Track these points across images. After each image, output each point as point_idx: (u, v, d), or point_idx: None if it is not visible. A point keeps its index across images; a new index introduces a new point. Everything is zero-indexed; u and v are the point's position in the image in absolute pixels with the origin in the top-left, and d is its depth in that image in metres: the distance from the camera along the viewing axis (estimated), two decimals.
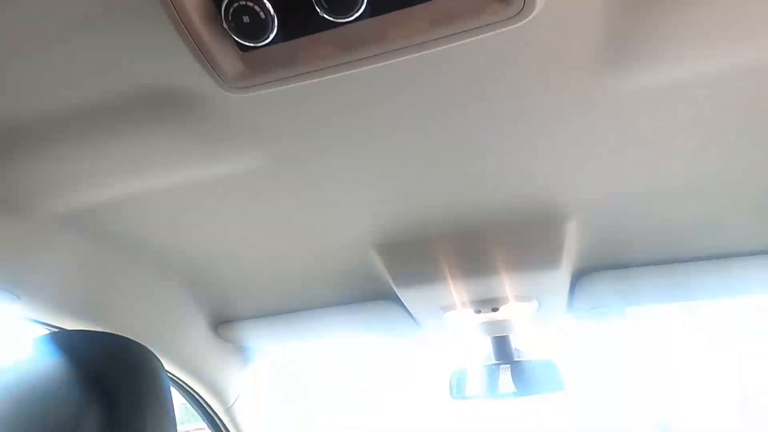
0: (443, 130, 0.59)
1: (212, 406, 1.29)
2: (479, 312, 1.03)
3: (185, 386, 1.21)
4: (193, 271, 0.99)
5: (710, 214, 0.81)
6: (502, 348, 1.25)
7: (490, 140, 0.62)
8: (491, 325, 1.12)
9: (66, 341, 0.52)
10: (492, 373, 1.27)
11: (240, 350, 1.26)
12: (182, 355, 1.12)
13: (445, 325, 1.11)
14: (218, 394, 1.26)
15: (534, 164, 0.67)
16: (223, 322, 1.15)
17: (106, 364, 0.51)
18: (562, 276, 0.91)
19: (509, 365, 1.26)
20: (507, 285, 0.95)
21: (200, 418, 1.39)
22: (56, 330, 0.80)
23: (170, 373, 1.14)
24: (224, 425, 1.35)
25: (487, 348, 1.29)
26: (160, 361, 0.56)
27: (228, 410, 1.30)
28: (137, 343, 0.55)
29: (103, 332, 0.53)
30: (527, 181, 0.71)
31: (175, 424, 0.53)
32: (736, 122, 0.60)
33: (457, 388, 1.29)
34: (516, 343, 1.28)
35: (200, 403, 1.29)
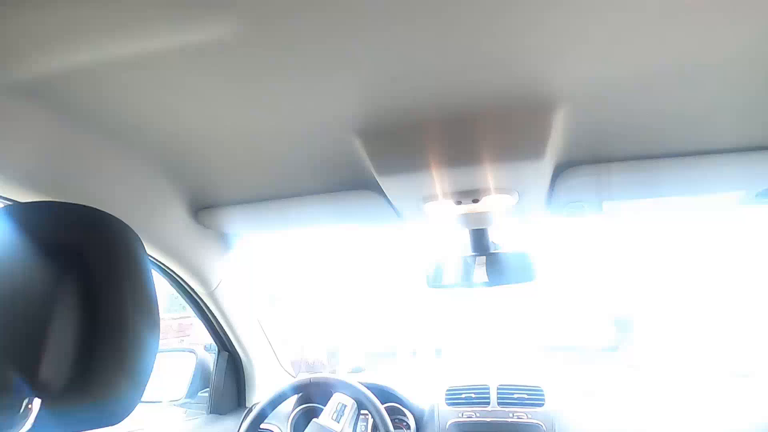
0: (429, 10, 0.55)
1: (196, 290, 1.33)
2: (460, 203, 1.03)
3: (168, 270, 1.24)
4: (171, 153, 0.96)
5: (695, 108, 0.80)
6: (480, 240, 1.29)
7: (478, 20, 0.57)
8: (471, 217, 1.14)
9: (34, 212, 0.50)
10: (468, 263, 1.32)
11: (221, 236, 1.27)
12: (162, 239, 1.13)
13: (426, 216, 1.12)
14: (201, 278, 1.29)
15: (522, 47, 0.63)
16: (202, 208, 1.15)
17: (81, 235, 0.50)
18: (544, 168, 0.91)
19: (485, 256, 1.30)
20: (489, 176, 0.94)
21: (188, 308, 1.44)
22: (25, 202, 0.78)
23: (151, 256, 1.16)
24: (208, 308, 1.40)
25: (465, 240, 1.32)
26: (139, 237, 0.55)
27: (211, 294, 1.34)
28: (114, 217, 0.53)
29: (77, 204, 0.51)
30: (515, 64, 0.68)
31: (156, 303, 0.53)
32: (731, 7, 0.56)
33: (434, 277, 1.34)
34: (493, 236, 1.31)
35: (184, 287, 1.33)
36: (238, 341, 1.50)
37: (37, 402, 0.44)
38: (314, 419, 1.28)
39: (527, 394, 1.34)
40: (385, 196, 1.05)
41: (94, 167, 0.88)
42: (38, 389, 0.43)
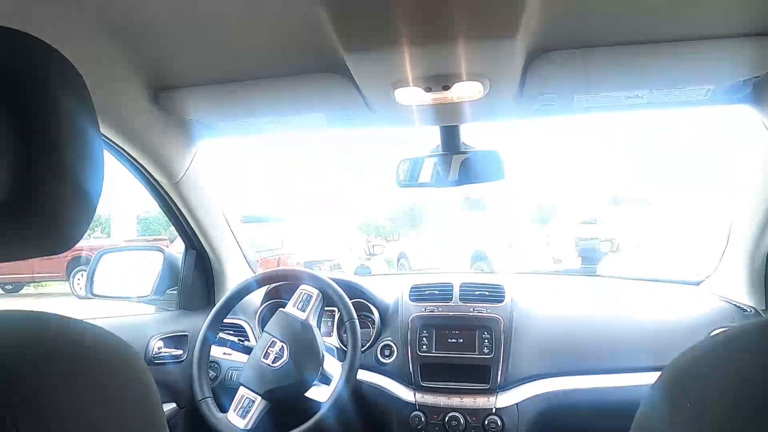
0: None
1: (159, 181, 1.30)
2: (430, 90, 1.00)
3: (129, 157, 1.19)
4: (128, 26, 0.89)
5: None
6: (451, 138, 1.27)
7: None
8: (441, 109, 1.11)
9: None
10: (438, 161, 1.31)
11: (182, 123, 1.22)
12: (119, 121, 1.08)
13: (396, 107, 1.09)
14: (163, 168, 1.25)
15: None
16: (162, 90, 1.09)
17: (14, 63, 0.45)
18: (516, 51, 0.88)
19: (456, 155, 1.29)
20: (460, 58, 0.91)
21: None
22: None
23: (110, 139, 1.11)
24: (173, 202, 1.37)
25: (436, 138, 1.30)
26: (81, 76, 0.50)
27: (175, 186, 1.31)
28: (56, 50, 0.48)
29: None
30: None
31: (99, 145, 0.49)
32: None
33: (405, 175, 1.33)
34: (464, 135, 1.30)
35: (147, 178, 1.29)
36: (206, 238, 1.49)
37: None
38: (280, 309, 1.30)
39: (488, 291, 1.39)
40: (353, 81, 1.01)
41: (36, 22, 0.81)
42: None
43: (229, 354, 1.43)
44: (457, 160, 1.30)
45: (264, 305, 1.50)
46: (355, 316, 1.25)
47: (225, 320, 1.45)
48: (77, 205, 0.45)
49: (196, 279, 1.59)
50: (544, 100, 1.08)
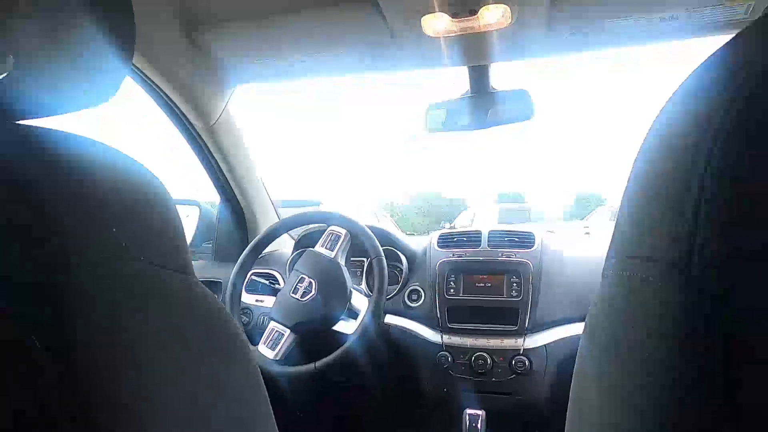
0: None
1: (194, 124, 1.35)
2: (456, 16, 1.00)
3: (163, 96, 1.24)
4: None
5: None
6: (479, 79, 1.26)
7: None
8: (469, 44, 1.11)
9: None
10: (467, 104, 1.30)
11: (218, 65, 1.26)
12: (154, 57, 1.12)
13: (424, 40, 1.09)
14: (198, 110, 1.29)
15: None
16: (196, 27, 1.13)
17: None
18: None
19: (484, 96, 1.29)
20: None
21: None
22: None
23: (146, 76, 1.16)
24: (207, 149, 1.42)
25: (464, 80, 1.30)
26: None
27: (209, 129, 1.35)
28: None
29: None
30: None
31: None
32: None
33: (433, 120, 1.33)
34: (492, 76, 1.29)
35: (181, 121, 1.34)
36: (238, 186, 1.53)
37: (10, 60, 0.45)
38: (309, 248, 1.33)
39: (518, 238, 1.38)
40: (381, 13, 1.02)
41: None
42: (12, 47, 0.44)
43: (261, 301, 1.47)
44: (486, 101, 1.30)
45: (295, 253, 1.53)
46: (382, 253, 1.26)
47: (258, 271, 1.49)
48: (112, 59, 0.48)
49: (231, 230, 1.64)
50: (574, 27, 1.06)
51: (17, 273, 0.37)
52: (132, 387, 0.38)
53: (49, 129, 0.45)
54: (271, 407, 0.55)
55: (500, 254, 1.34)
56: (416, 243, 1.51)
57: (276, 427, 0.56)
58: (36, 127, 0.46)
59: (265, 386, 0.54)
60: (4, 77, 0.45)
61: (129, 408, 0.37)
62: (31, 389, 0.34)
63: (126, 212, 0.46)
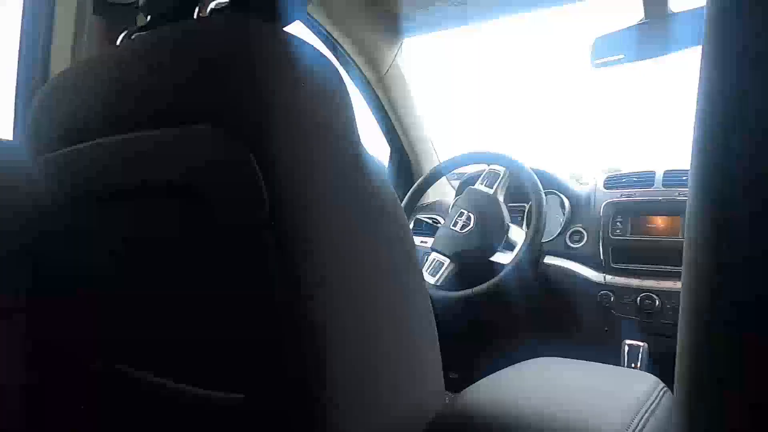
0: None
1: (367, 77, 1.51)
2: None
3: (341, 50, 1.41)
4: None
5: None
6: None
7: None
8: None
9: None
10: (637, 31, 1.22)
11: (387, 17, 1.39)
12: (329, 9, 1.28)
13: None
14: (371, 61, 1.45)
15: None
16: None
17: None
18: None
19: (660, 21, 1.19)
20: None
21: None
22: None
23: (325, 29, 1.34)
24: (377, 96, 1.57)
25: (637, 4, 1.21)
26: None
27: (381, 80, 1.50)
28: None
29: None
30: None
31: None
32: None
33: (600, 53, 1.27)
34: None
35: (355, 71, 1.50)
36: (407, 140, 1.66)
37: None
38: (468, 186, 1.39)
39: None
40: None
41: None
42: None
43: (425, 242, 1.58)
44: (658, 26, 1.20)
45: (457, 198, 1.61)
46: (541, 190, 1.26)
47: (422, 217, 1.61)
48: None
49: (398, 182, 1.79)
50: None
51: None
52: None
53: None
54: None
55: (677, 193, 1.23)
56: (582, 186, 1.46)
57: (438, 345, 0.62)
58: None
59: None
60: None
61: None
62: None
63: None
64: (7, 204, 0.62)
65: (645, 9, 1.20)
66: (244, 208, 0.42)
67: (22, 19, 0.99)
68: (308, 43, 0.45)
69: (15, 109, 0.97)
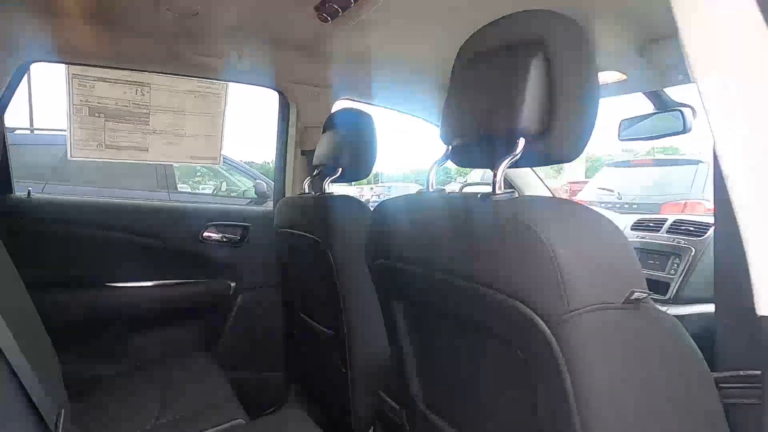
0: None
1: None
2: None
3: None
4: None
5: None
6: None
7: None
8: None
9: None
10: (656, 118, 1.65)
11: None
12: None
13: None
14: None
15: None
16: None
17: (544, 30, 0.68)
18: None
19: (666, 112, 1.62)
20: None
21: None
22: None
23: None
24: None
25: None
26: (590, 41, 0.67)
27: None
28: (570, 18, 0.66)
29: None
30: None
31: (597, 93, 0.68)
32: None
33: (623, 131, 1.74)
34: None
35: None
36: None
37: (522, 141, 0.67)
38: None
39: (694, 227, 1.62)
40: None
41: None
42: (522, 133, 0.67)
43: None
44: (666, 115, 1.63)
45: None
46: None
47: None
48: (578, 134, 0.67)
49: None
50: None
51: None
52: None
53: None
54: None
55: (672, 239, 1.64)
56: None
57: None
58: None
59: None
60: None
61: None
62: None
63: None
64: None
65: (654, 103, 1.65)
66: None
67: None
68: None
69: None
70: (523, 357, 0.64)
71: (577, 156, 0.68)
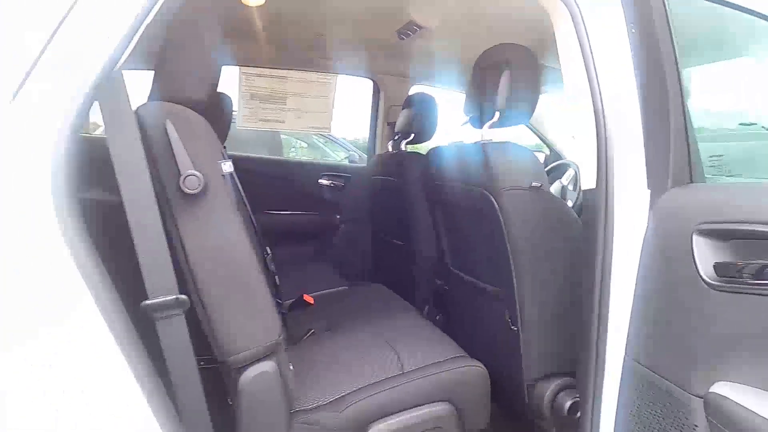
0: None
1: None
2: None
3: None
4: None
5: None
6: None
7: None
8: None
9: None
10: None
11: None
12: None
13: None
14: None
15: None
16: None
17: None
18: None
19: None
20: None
21: None
22: None
23: None
24: None
25: None
26: None
27: None
28: None
29: None
30: None
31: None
32: None
33: None
34: None
35: None
36: None
37: (497, 114, 1.47)
38: None
39: None
40: None
41: None
42: (497, 108, 1.43)
43: None
44: None
45: None
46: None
47: None
48: None
49: None
50: None
51: None
52: None
53: None
54: None
55: None
56: None
57: None
58: None
59: None
60: None
61: None
62: None
63: None
64: None
65: None
66: None
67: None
68: None
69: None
70: (487, 220, 1.34)
71: (524, 123, 1.38)
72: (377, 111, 2.68)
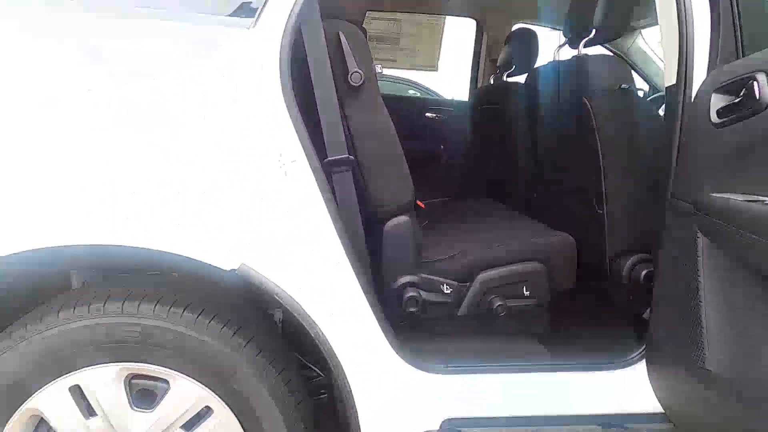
0: None
1: None
2: None
3: None
4: None
5: None
6: None
7: None
8: None
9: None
10: None
11: None
12: None
13: None
14: None
15: None
16: None
17: None
18: None
19: None
20: None
21: None
22: None
23: None
24: None
25: None
26: None
27: None
28: None
29: None
30: None
31: None
32: None
33: None
34: None
35: None
36: None
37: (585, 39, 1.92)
38: None
39: None
40: None
41: None
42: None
43: None
44: None
45: None
46: None
47: None
48: None
49: None
50: None
51: None
52: None
53: None
54: None
55: None
56: None
57: None
58: None
59: None
60: None
61: None
62: None
63: None
64: None
65: None
66: None
67: None
68: None
69: None
70: (581, 121, 1.57)
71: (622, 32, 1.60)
72: (480, 48, 2.91)
